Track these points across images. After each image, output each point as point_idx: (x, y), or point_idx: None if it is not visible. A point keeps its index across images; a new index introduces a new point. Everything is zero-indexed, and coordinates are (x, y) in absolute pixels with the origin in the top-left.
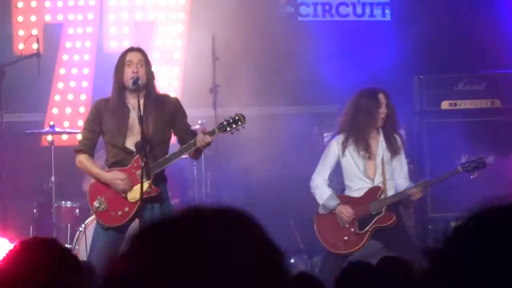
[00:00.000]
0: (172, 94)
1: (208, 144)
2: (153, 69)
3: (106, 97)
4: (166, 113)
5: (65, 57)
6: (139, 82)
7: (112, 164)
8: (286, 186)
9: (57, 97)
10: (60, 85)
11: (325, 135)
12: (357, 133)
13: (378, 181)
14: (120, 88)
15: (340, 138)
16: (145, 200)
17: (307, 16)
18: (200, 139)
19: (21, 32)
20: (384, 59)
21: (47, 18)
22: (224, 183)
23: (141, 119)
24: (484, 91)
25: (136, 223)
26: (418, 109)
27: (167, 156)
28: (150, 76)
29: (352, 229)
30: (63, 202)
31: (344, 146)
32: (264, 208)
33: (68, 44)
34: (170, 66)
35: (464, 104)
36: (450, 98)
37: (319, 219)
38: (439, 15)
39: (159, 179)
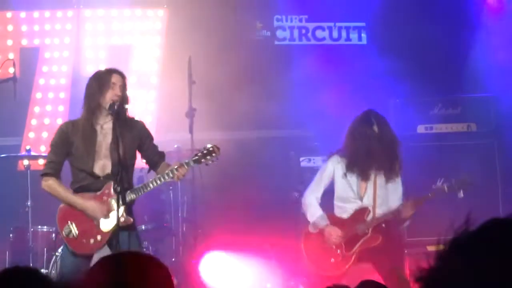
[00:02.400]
0: (149, 118)
1: (183, 176)
2: (129, 93)
3: (73, 120)
4: (134, 137)
5: (41, 81)
6: (115, 106)
7: (78, 189)
8: (263, 209)
9: (33, 121)
10: (37, 109)
11: (301, 159)
12: (355, 158)
13: (367, 202)
14: (93, 109)
15: (336, 158)
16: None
17: (283, 40)
18: (175, 172)
19: None
20: (360, 82)
21: (24, 42)
22: (201, 207)
23: (117, 143)
24: (460, 115)
25: (104, 250)
26: (395, 133)
27: (141, 185)
28: (125, 100)
29: (339, 251)
30: (39, 226)
31: (340, 167)
32: (242, 232)
33: (44, 68)
34: (147, 90)
35: (440, 128)
36: (426, 122)
37: (307, 238)
38: (414, 39)
39: (130, 207)
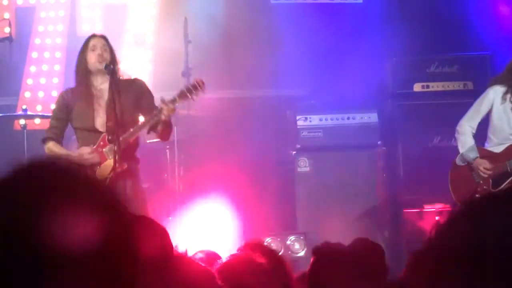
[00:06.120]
0: (145, 78)
1: (172, 111)
2: (126, 52)
3: (72, 87)
4: (132, 95)
5: (37, 40)
6: (111, 66)
7: (81, 146)
8: (260, 169)
9: (29, 81)
10: (33, 68)
11: (298, 117)
12: None
13: None
14: (85, 73)
15: (499, 88)
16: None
17: None
18: (164, 108)
19: None
20: (356, 41)
21: (19, 1)
22: (197, 166)
23: (113, 100)
24: (457, 73)
25: None
26: (391, 91)
27: (132, 130)
28: (114, 60)
29: (485, 187)
30: None
31: (501, 97)
32: (239, 191)
33: (40, 28)
34: (143, 49)
35: (437, 87)
36: (422, 81)
37: (455, 171)
38: None
39: (128, 157)
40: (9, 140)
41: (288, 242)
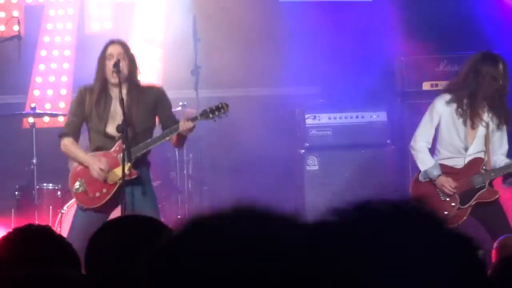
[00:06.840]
0: (154, 76)
1: (190, 130)
2: (135, 50)
3: (90, 84)
4: (149, 102)
5: (46, 38)
6: (120, 65)
7: (95, 149)
8: (268, 167)
9: (38, 79)
10: (42, 67)
11: (307, 116)
12: (469, 98)
13: (472, 151)
14: (103, 79)
15: (447, 97)
16: (124, 182)
17: None
18: (182, 125)
19: (2, 14)
20: (365, 40)
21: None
22: (206, 165)
23: (122, 102)
24: None
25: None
26: (399, 90)
27: (148, 140)
28: (132, 68)
29: (453, 204)
30: (44, 184)
31: (449, 107)
32: (247, 190)
33: (49, 26)
34: (152, 47)
35: None
36: (431, 79)
37: (416, 187)
38: None
39: (141, 163)
40: (18, 138)
41: None
